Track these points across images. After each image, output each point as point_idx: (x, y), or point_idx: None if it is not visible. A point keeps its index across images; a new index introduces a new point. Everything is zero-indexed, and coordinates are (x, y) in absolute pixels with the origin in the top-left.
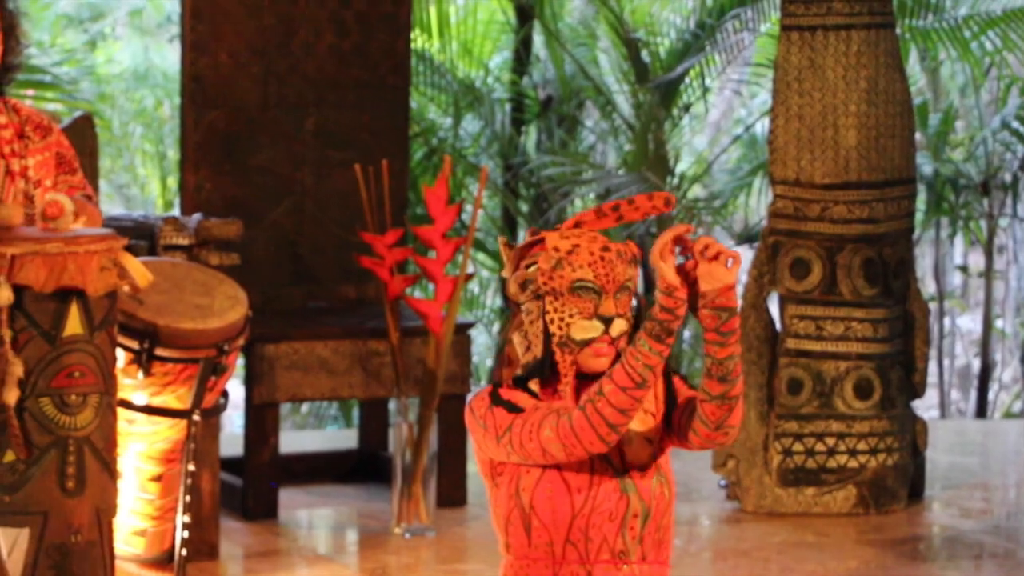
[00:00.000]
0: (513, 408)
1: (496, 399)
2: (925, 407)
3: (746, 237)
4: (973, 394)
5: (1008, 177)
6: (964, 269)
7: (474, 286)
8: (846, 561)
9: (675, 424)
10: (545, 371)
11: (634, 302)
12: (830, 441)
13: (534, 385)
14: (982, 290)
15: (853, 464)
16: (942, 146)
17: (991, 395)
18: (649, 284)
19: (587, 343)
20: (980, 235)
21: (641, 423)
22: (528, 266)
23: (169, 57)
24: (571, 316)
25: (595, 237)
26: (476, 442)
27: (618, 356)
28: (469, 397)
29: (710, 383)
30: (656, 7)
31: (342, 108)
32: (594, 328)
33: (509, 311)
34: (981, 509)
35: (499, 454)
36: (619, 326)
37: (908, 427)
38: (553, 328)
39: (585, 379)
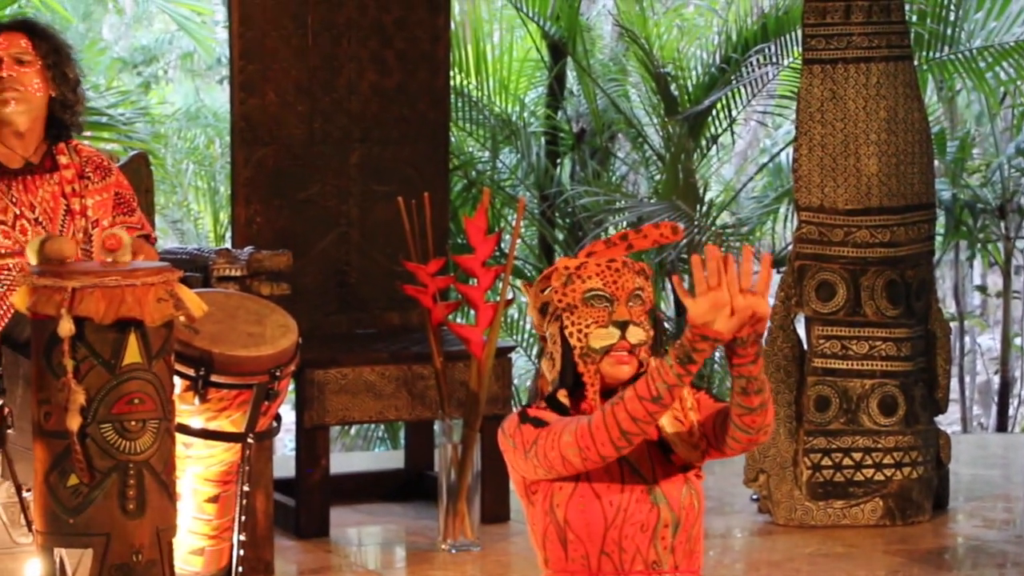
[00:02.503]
0: (539, 423)
1: (524, 417)
2: (948, 422)
3: (773, 262)
4: (994, 409)
5: (1023, 201)
6: (983, 289)
7: (513, 311)
8: (874, 571)
9: (711, 435)
10: (568, 381)
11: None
12: (857, 456)
13: (563, 398)
14: (1001, 309)
15: (879, 477)
16: (960, 172)
17: (1011, 410)
18: (680, 308)
19: (607, 350)
20: (998, 257)
21: (677, 425)
22: (543, 290)
23: (219, 98)
24: (587, 326)
25: (622, 253)
26: (509, 462)
27: (640, 367)
28: (504, 420)
29: (747, 399)
30: (683, 43)
31: (385, 143)
32: (611, 335)
33: (541, 343)
34: (1004, 520)
35: (528, 470)
36: (636, 333)
37: (932, 441)
38: (573, 341)
39: (612, 392)
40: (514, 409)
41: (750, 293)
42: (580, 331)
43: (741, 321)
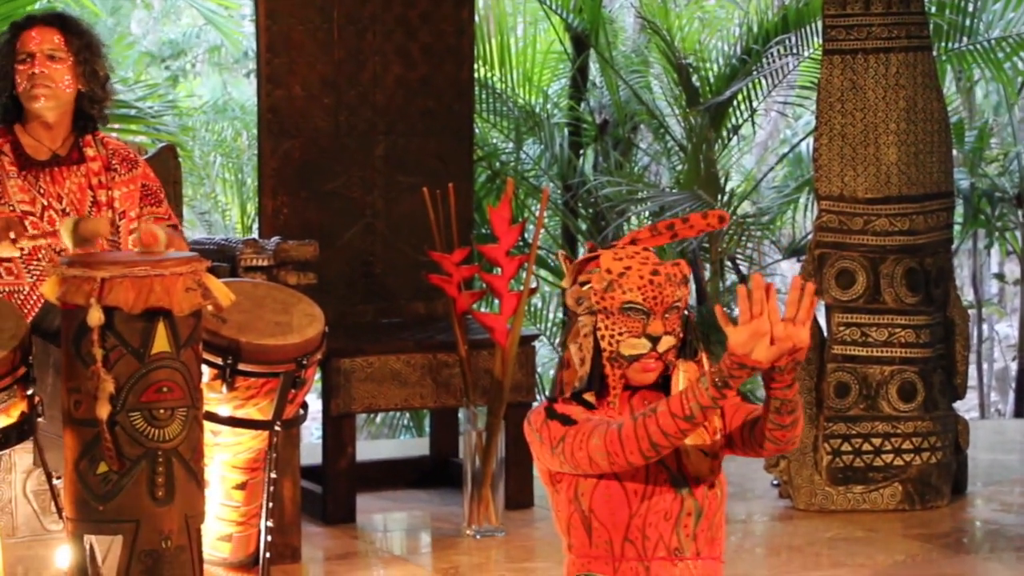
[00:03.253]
0: (567, 421)
1: (551, 413)
2: (966, 408)
3: (793, 250)
4: (1011, 395)
5: None
6: (1001, 277)
7: (537, 300)
8: (893, 555)
9: (737, 439)
10: (595, 383)
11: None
12: (876, 441)
13: (590, 397)
14: (1018, 297)
15: (899, 463)
16: (978, 161)
17: None
18: (701, 296)
19: (635, 359)
20: (1016, 245)
21: (698, 437)
22: (583, 284)
23: (246, 91)
24: (620, 334)
25: (647, 259)
26: (534, 453)
27: (665, 369)
28: (530, 410)
29: (781, 418)
30: (704, 35)
31: (410, 135)
32: (642, 346)
33: (569, 320)
34: (1022, 504)
35: (554, 464)
36: (666, 343)
37: (950, 427)
38: (604, 344)
39: (634, 391)
40: (539, 398)
41: (791, 323)
42: (613, 336)
43: (781, 351)
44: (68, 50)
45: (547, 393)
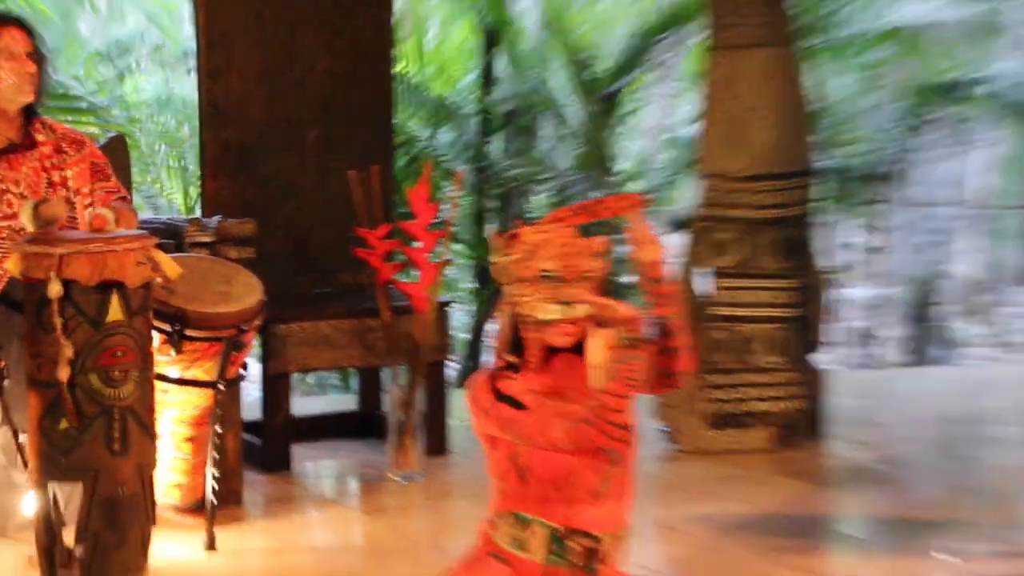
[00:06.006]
0: (516, 404)
1: (499, 395)
2: (823, 361)
3: (678, 224)
4: (861, 349)
5: (885, 170)
6: (853, 246)
7: (451, 271)
8: (766, 489)
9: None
10: (518, 346)
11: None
12: (748, 391)
13: (511, 358)
14: (868, 264)
15: (768, 409)
16: (833, 145)
17: (875, 350)
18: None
19: (550, 324)
20: (866, 217)
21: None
22: (507, 255)
23: (186, 86)
24: (537, 300)
25: (564, 233)
26: (479, 422)
27: (580, 334)
28: (472, 384)
29: (657, 338)
30: (599, 33)
31: (337, 123)
32: (556, 311)
33: (494, 291)
34: (873, 443)
35: (499, 435)
36: (580, 310)
37: (811, 377)
38: (522, 309)
39: (554, 351)
40: (450, 357)
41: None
42: (529, 302)
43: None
44: (37, 51)
45: (460, 354)
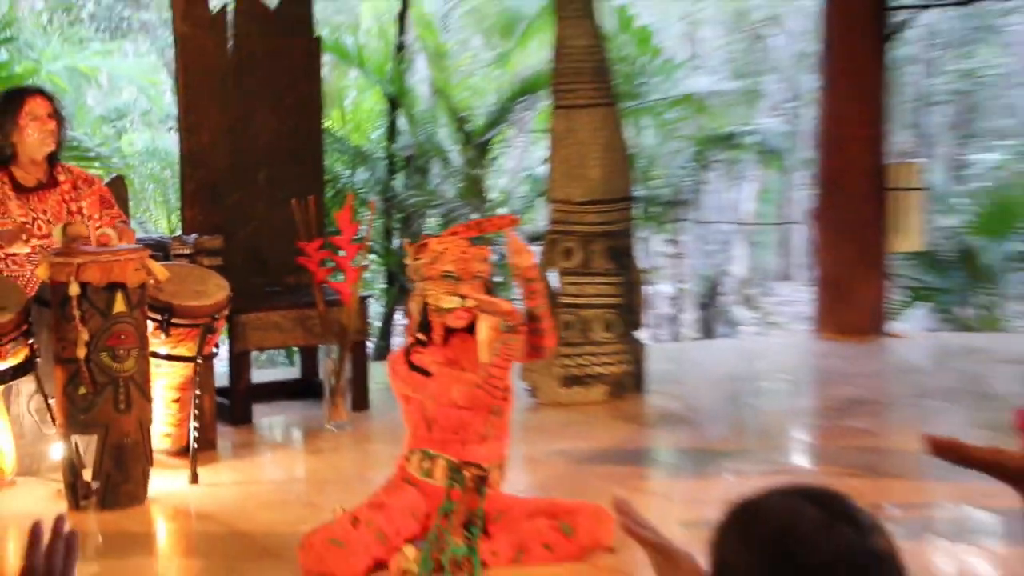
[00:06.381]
0: (424, 372)
1: (412, 366)
2: (643, 336)
3: (535, 238)
4: (668, 328)
5: (682, 198)
6: (662, 253)
7: (368, 274)
8: (604, 431)
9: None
10: (425, 327)
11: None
12: (589, 358)
13: (421, 336)
14: (671, 266)
15: (603, 371)
16: (646, 178)
17: (679, 329)
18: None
19: (448, 311)
20: (669, 232)
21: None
22: (417, 259)
23: (168, 141)
24: (440, 293)
25: (460, 243)
26: (396, 385)
27: (472, 319)
28: (390, 356)
29: (533, 324)
30: (473, 98)
31: (282, 166)
32: (454, 302)
33: (399, 289)
34: (679, 396)
35: (413, 395)
36: (471, 301)
37: (634, 347)
38: (429, 299)
39: (452, 332)
40: (370, 339)
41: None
42: (434, 295)
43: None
44: (55, 112)
45: (376, 335)
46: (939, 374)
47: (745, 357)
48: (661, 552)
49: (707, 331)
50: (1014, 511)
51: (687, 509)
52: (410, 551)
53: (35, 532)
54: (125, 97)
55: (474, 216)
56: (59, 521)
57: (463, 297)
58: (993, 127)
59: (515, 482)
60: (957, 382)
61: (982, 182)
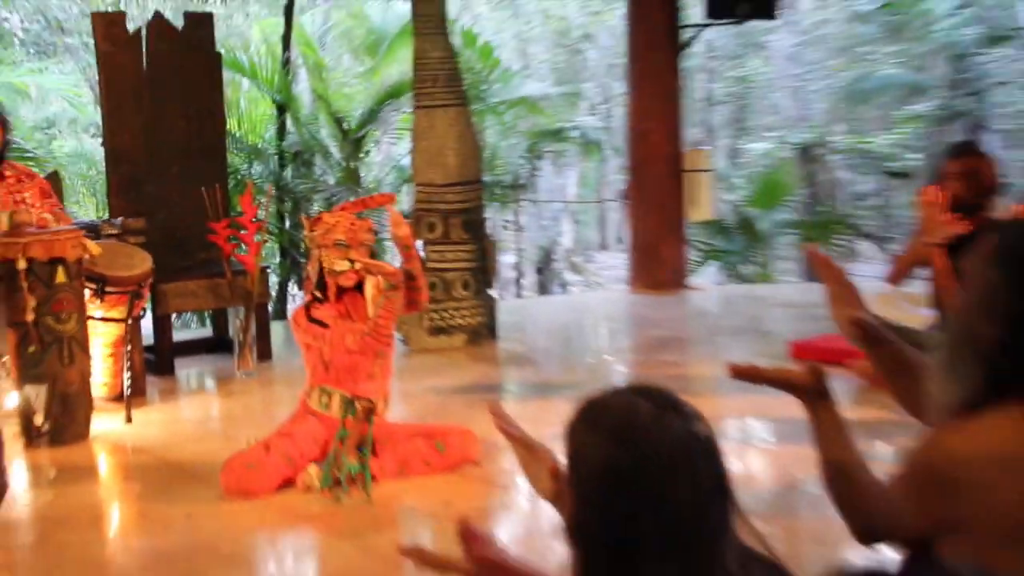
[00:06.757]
0: (322, 324)
1: (311, 318)
2: (493, 293)
3: (404, 215)
4: (514, 287)
5: (521, 182)
6: (505, 227)
7: (266, 249)
8: (465, 370)
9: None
10: (321, 287)
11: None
12: (452, 312)
13: (319, 293)
14: (515, 237)
15: (463, 323)
16: (491, 167)
17: (521, 289)
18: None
19: (341, 273)
20: (511, 209)
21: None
22: (313, 231)
23: (93, 144)
24: (334, 258)
25: (348, 217)
26: (299, 335)
27: (360, 279)
28: (291, 310)
29: (411, 282)
30: (348, 102)
31: (192, 160)
32: (344, 264)
33: (291, 262)
34: (524, 341)
35: (312, 343)
36: (359, 264)
37: (487, 303)
38: (324, 263)
39: (344, 290)
40: (269, 299)
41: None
42: (328, 260)
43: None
44: (3, 122)
45: (275, 299)
46: (727, 317)
47: (574, 310)
48: (525, 446)
49: (543, 290)
50: (790, 419)
51: (532, 427)
52: (313, 470)
53: None
54: (54, 108)
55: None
56: None
57: (352, 261)
58: (761, 123)
59: (396, 412)
60: (741, 322)
61: (754, 166)
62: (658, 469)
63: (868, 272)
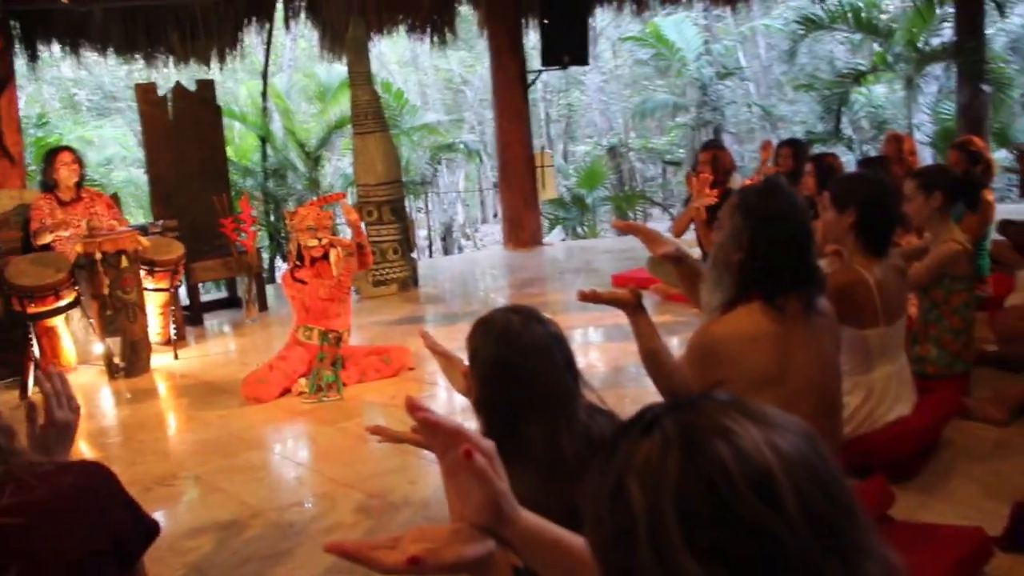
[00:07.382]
0: (303, 282)
1: (294, 279)
2: (414, 255)
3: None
4: (426, 252)
5: (426, 180)
6: (419, 211)
7: (259, 236)
8: (398, 308)
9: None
10: (300, 258)
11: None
12: (387, 269)
13: (299, 263)
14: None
15: (395, 277)
16: (407, 172)
17: (432, 252)
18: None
19: (312, 247)
20: (422, 199)
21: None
22: (292, 220)
23: (139, 173)
24: (306, 237)
25: (316, 208)
26: (287, 291)
27: (326, 251)
28: (281, 272)
29: (358, 250)
30: (309, 132)
31: (206, 179)
32: (314, 242)
33: (277, 246)
34: (437, 287)
35: (296, 296)
36: (325, 241)
37: (410, 262)
38: (300, 242)
39: (315, 260)
40: (264, 269)
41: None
42: (303, 239)
43: (351, 217)
44: (77, 159)
45: (267, 268)
46: (570, 262)
47: (469, 264)
48: (444, 356)
49: (447, 252)
50: (616, 325)
51: (447, 343)
52: (302, 381)
53: (30, 410)
54: (111, 151)
55: (315, 197)
56: (52, 404)
57: (320, 239)
58: (583, 132)
59: (354, 339)
60: (579, 265)
61: (580, 162)
62: (529, 358)
63: (659, 228)
